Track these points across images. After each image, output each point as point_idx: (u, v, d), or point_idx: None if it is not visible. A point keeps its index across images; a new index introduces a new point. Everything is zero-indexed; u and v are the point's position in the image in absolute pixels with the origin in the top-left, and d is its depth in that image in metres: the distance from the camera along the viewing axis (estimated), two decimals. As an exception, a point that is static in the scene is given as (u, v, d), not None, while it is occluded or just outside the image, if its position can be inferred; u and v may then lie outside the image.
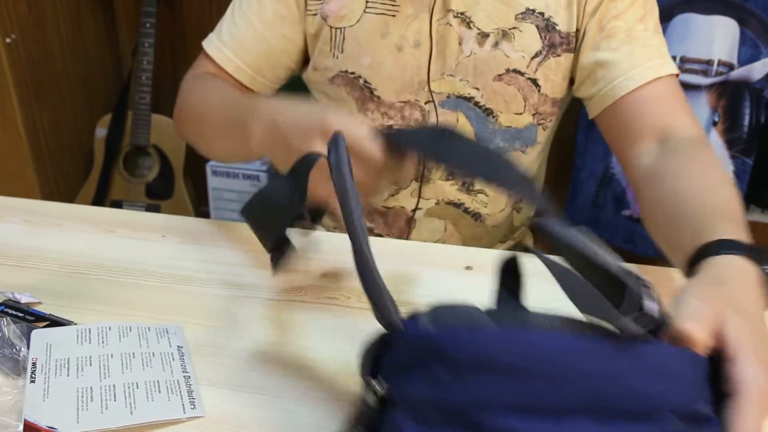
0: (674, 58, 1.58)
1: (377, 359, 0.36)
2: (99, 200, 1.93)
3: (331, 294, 0.64)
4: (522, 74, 0.75)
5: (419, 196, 0.81)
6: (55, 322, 0.54)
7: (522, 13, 0.73)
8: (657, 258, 1.86)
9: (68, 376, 0.47)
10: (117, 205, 1.94)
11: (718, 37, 1.55)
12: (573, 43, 0.75)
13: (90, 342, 0.51)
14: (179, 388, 0.48)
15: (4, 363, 0.47)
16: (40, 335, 0.50)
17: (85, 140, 1.95)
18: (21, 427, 0.42)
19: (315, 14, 0.77)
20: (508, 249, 0.91)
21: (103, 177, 1.92)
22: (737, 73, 1.56)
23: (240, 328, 0.58)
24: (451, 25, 0.74)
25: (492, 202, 0.83)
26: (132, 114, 1.89)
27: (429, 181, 0.80)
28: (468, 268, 0.69)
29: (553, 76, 0.75)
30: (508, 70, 0.75)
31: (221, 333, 0.57)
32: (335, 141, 0.44)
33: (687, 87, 1.60)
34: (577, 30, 0.75)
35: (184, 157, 1.91)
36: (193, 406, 0.46)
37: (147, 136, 1.89)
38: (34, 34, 1.73)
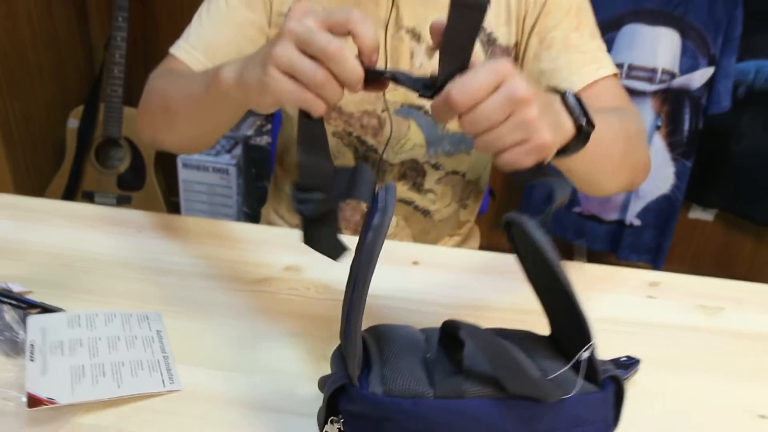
0: (622, 65, 1.69)
1: (336, 396, 0.45)
2: (71, 191, 1.97)
3: (293, 285, 0.72)
4: None
5: None
6: (46, 308, 0.61)
7: None
8: (605, 253, 1.98)
9: (62, 355, 0.54)
10: (89, 195, 1.98)
11: (661, 46, 1.66)
12: (512, 54, 0.84)
13: (80, 326, 0.58)
14: (159, 366, 0.56)
15: (5, 344, 0.55)
16: (36, 321, 0.58)
17: (58, 131, 1.98)
18: (24, 398, 0.49)
19: (278, 26, 0.83)
20: (455, 246, 1.00)
21: (75, 168, 1.96)
22: (678, 81, 1.68)
23: (212, 315, 0.66)
24: (403, 39, 0.82)
25: (440, 200, 0.92)
26: (104, 106, 1.93)
27: (383, 179, 0.89)
28: (415, 263, 0.78)
29: None
30: None
31: (195, 319, 0.65)
32: (387, 189, 0.45)
33: (633, 93, 1.71)
34: (517, 43, 0.84)
35: (155, 150, 1.96)
36: (171, 381, 0.54)
37: (119, 128, 1.94)
38: (6, 25, 1.76)
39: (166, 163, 2.01)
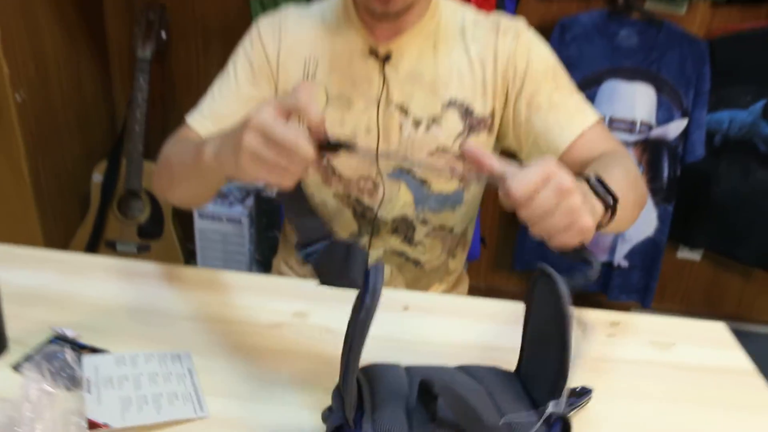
0: (604, 117, 1.83)
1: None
2: (94, 240, 2.11)
3: (301, 329, 0.84)
4: (447, 151, 0.96)
5: (369, 247, 1.02)
6: (96, 350, 0.74)
7: (446, 104, 0.95)
8: (597, 293, 2.09)
9: (113, 388, 0.66)
10: (111, 244, 2.12)
11: (639, 100, 1.80)
12: (489, 122, 0.97)
13: (125, 365, 0.70)
14: (191, 397, 0.68)
15: (66, 380, 0.67)
16: (90, 360, 0.70)
17: (83, 185, 2.13)
18: (85, 423, 0.61)
19: None
20: (445, 291, 1.12)
21: (98, 219, 2.10)
22: (656, 132, 1.82)
23: (232, 354, 0.78)
24: (393, 115, 0.95)
25: (429, 251, 1.04)
26: (126, 161, 2.08)
27: (378, 234, 1.02)
28: (406, 308, 0.90)
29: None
30: (437, 149, 0.96)
31: (218, 358, 0.77)
32: (377, 271, 0.54)
33: (616, 143, 1.85)
34: (493, 112, 0.96)
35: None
36: (201, 410, 0.66)
37: (139, 182, 2.08)
38: (40, 91, 1.93)
39: (183, 213, 2.15)
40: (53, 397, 0.61)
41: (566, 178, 0.59)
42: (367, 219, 1.01)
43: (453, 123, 0.95)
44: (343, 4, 0.95)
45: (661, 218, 1.91)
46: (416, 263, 1.05)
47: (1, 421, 0.59)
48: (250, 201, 2.04)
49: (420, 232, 1.02)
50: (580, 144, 0.91)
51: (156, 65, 2.16)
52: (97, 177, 2.12)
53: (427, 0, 0.92)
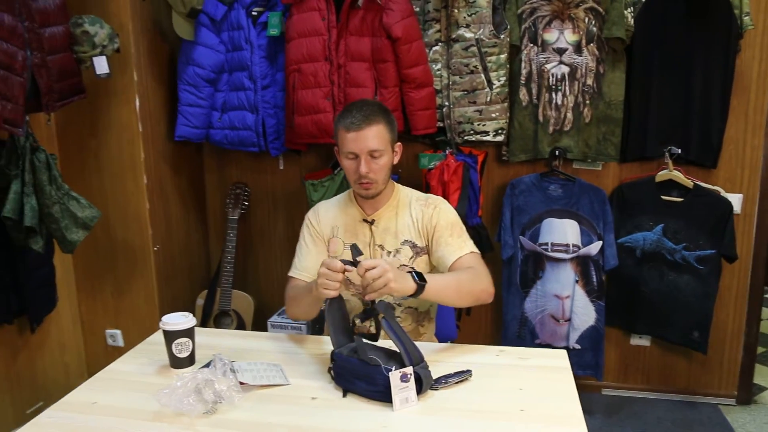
0: (547, 243, 2.64)
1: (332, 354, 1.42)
2: (197, 347, 2.95)
3: (333, 356, 1.65)
4: (406, 265, 1.79)
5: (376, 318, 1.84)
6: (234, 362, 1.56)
7: (402, 243, 1.80)
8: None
9: (248, 372, 1.48)
10: (208, 349, 2.96)
11: (569, 231, 2.61)
12: (425, 251, 1.79)
13: (251, 365, 1.52)
14: (283, 376, 1.48)
15: (227, 371, 1.48)
16: (236, 363, 1.52)
17: (190, 307, 3.02)
18: (237, 383, 1.42)
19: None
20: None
21: (200, 331, 2.96)
22: (583, 251, 2.61)
23: (301, 363, 1.58)
24: (377, 250, 1.80)
25: (404, 321, 1.82)
26: (220, 290, 2.97)
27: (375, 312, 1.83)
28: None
29: (423, 265, 1.80)
30: (401, 266, 1.79)
31: (294, 366, 1.57)
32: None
33: (558, 260, 2.64)
34: (425, 246, 1.80)
35: (252, 318, 2.96)
36: (287, 381, 1.47)
37: (229, 304, 2.96)
38: (167, 244, 2.88)
39: (260, 326, 3.00)
40: (222, 374, 1.43)
41: (387, 267, 1.44)
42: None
43: (406, 252, 1.81)
44: (349, 195, 1.86)
45: (597, 311, 2.63)
46: (398, 328, 1.85)
47: (202, 378, 1.41)
48: (306, 313, 2.87)
49: (398, 310, 1.83)
50: (458, 263, 1.73)
51: (241, 223, 3.11)
52: (200, 302, 3.01)
53: (390, 190, 1.81)
